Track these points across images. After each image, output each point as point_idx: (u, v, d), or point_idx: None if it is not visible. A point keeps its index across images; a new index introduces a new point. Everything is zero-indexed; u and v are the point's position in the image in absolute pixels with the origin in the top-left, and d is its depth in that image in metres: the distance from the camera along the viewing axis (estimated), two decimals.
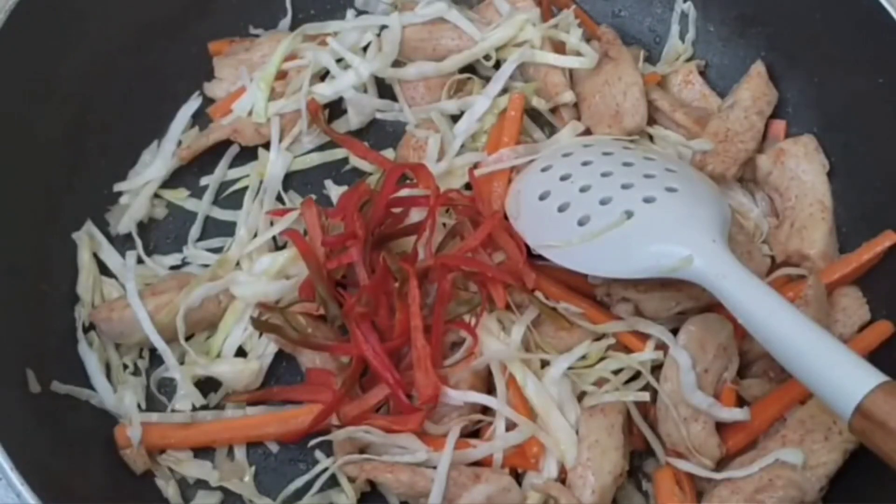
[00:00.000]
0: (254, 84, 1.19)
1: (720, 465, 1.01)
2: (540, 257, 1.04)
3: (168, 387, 1.10)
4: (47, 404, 1.01)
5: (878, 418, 0.81)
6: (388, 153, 1.20)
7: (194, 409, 1.07)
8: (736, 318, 0.93)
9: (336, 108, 1.22)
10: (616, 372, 1.03)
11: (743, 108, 1.18)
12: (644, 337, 1.04)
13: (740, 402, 1.03)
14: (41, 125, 1.10)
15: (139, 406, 1.07)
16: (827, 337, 0.87)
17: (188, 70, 1.24)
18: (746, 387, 1.04)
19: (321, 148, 1.22)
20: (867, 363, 0.84)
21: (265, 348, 1.08)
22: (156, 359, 1.10)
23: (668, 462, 1.01)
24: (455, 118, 1.20)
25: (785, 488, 0.97)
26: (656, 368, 1.03)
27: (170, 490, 1.05)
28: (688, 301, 1.03)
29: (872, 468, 0.90)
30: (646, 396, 1.01)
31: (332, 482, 1.03)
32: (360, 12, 1.28)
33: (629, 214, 0.99)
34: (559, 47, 1.22)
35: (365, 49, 1.23)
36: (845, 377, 0.83)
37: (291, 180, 1.19)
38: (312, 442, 1.02)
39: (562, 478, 0.99)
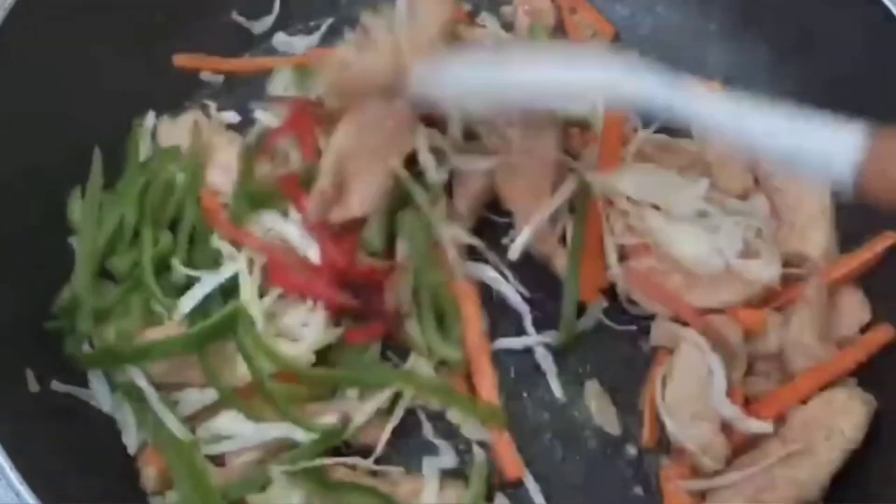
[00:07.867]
0: None
1: None
2: None
3: None
4: (47, 404, 1.01)
5: (880, 167, 0.81)
6: None
7: None
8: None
9: None
10: None
11: None
12: None
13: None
14: (41, 126, 1.09)
15: None
16: (799, 115, 0.86)
17: (184, 73, 1.24)
18: (748, 385, 1.04)
19: None
20: (848, 125, 0.84)
21: None
22: None
23: (664, 477, 1.02)
24: None
25: (786, 488, 0.97)
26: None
27: None
28: None
29: (874, 469, 0.90)
30: None
31: None
32: None
33: None
34: None
35: None
36: (834, 141, 0.83)
37: None
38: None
39: None
